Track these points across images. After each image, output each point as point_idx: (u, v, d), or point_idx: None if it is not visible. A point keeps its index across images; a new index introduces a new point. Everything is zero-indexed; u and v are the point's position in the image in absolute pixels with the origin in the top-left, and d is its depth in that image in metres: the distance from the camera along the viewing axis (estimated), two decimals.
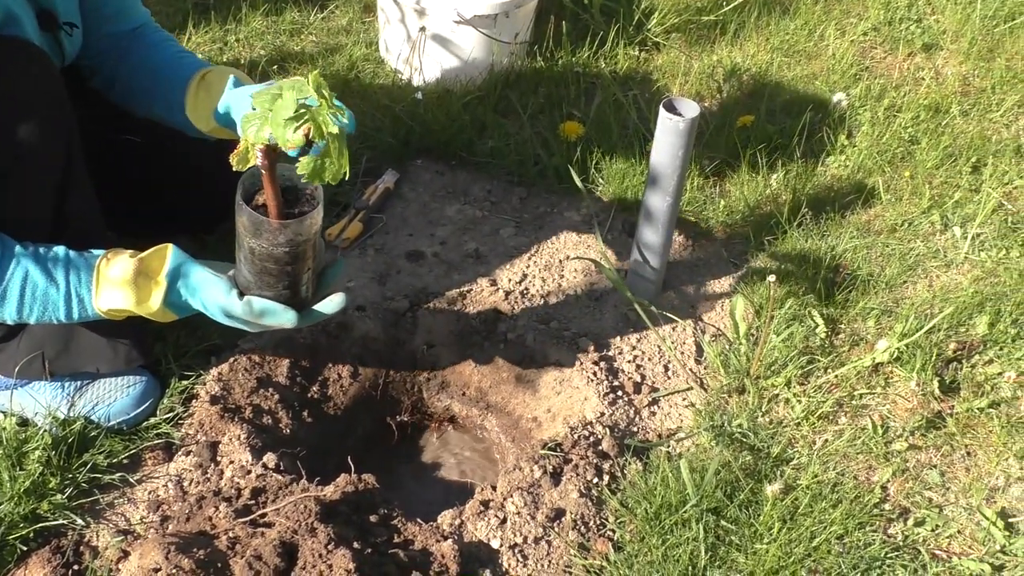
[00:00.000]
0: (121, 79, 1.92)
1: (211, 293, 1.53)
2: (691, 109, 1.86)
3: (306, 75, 1.27)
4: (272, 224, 1.43)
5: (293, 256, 1.49)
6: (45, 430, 1.72)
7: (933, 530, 1.72)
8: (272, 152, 1.34)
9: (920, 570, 1.64)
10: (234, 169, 1.37)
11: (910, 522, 1.74)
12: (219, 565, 1.47)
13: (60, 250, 1.55)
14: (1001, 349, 2.06)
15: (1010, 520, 1.75)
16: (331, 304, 1.58)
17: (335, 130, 1.29)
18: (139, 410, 1.81)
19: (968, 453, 1.88)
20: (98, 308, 1.54)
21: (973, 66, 3.10)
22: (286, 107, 1.26)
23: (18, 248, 1.51)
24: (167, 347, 1.91)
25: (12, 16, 1.56)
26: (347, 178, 1.35)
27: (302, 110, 1.26)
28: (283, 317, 1.53)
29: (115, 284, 1.52)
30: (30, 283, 1.51)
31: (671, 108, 1.86)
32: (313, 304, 1.60)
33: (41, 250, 1.53)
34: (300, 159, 1.32)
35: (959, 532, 1.73)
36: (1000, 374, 2.00)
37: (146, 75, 1.88)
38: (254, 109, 1.31)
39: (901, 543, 1.69)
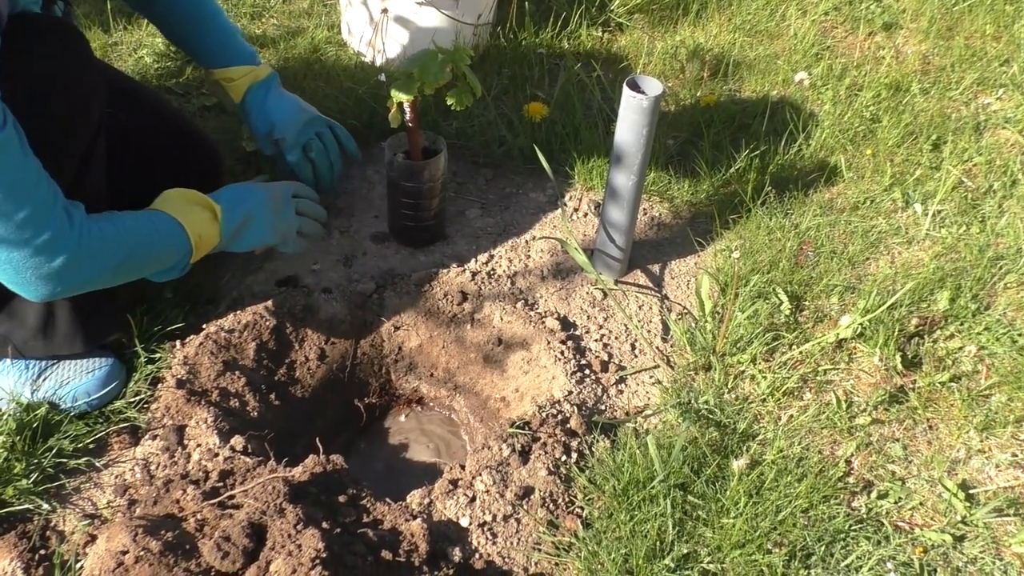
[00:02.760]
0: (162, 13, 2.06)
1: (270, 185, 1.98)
2: (654, 87, 1.86)
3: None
4: (419, 164, 2.10)
5: (432, 189, 2.14)
6: (9, 415, 1.71)
7: (896, 502, 1.75)
8: (415, 106, 2.01)
9: (883, 542, 1.66)
10: (393, 127, 1.99)
11: (873, 495, 1.76)
12: (187, 547, 1.46)
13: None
14: (962, 324, 2.08)
15: (971, 491, 1.78)
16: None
17: (466, 66, 1.93)
18: (104, 391, 1.79)
19: (930, 426, 1.90)
20: (186, 225, 1.73)
21: (933, 45, 3.13)
22: (434, 60, 1.89)
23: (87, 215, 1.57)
24: (132, 331, 1.89)
25: None
26: (478, 96, 1.98)
27: (443, 56, 1.89)
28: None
29: (178, 204, 1.76)
30: (113, 230, 1.60)
31: (635, 86, 1.87)
32: (442, 232, 2.31)
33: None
34: (447, 95, 1.96)
35: (921, 504, 1.75)
36: (961, 348, 2.03)
37: (191, 28, 2.09)
38: (396, 79, 1.91)
39: (865, 515, 1.71)
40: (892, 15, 3.28)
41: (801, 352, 2.00)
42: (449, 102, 1.96)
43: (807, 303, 2.13)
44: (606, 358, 2.01)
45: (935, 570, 1.64)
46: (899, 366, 1.97)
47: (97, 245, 1.55)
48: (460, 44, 1.95)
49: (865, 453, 1.84)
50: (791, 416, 1.89)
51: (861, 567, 1.61)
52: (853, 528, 1.68)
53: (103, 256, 1.57)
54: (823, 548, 1.63)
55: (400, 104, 1.96)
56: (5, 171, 1.36)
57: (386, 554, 1.52)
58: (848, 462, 1.82)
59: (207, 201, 1.80)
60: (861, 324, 2.00)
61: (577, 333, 2.07)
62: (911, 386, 1.95)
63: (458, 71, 1.92)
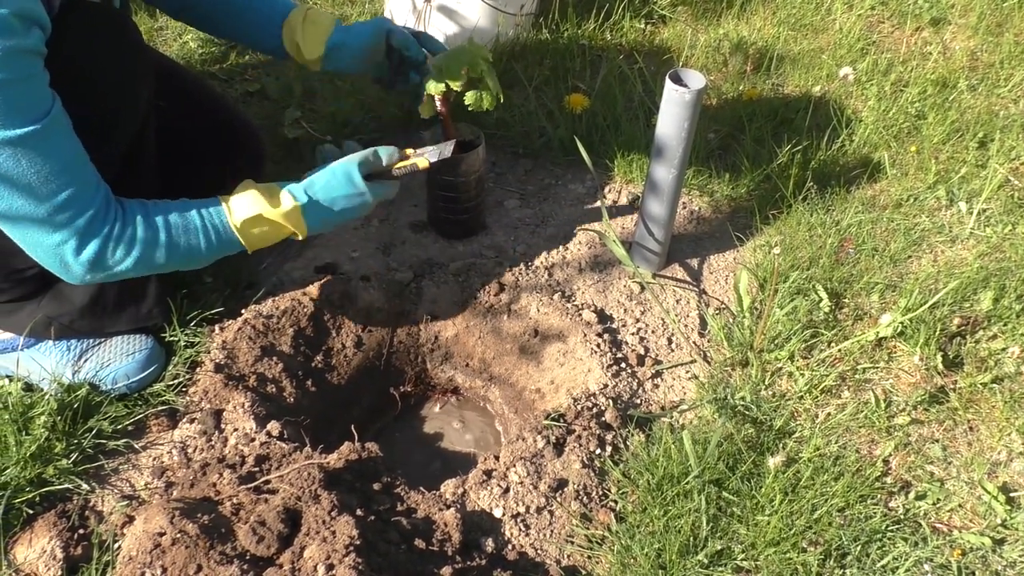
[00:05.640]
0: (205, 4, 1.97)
1: (342, 162, 1.73)
2: (697, 81, 1.85)
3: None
4: (455, 157, 1.96)
5: (469, 183, 2.14)
6: (50, 395, 1.73)
7: (934, 504, 1.73)
8: (447, 99, 1.96)
9: (920, 543, 1.65)
10: (423, 117, 2.00)
11: (911, 495, 1.74)
12: (223, 530, 1.48)
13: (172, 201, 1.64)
14: (1005, 325, 2.05)
15: (1011, 494, 1.75)
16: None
17: (485, 67, 1.88)
18: (144, 374, 1.81)
19: (970, 428, 1.88)
20: (234, 223, 1.63)
21: (981, 41, 3.08)
22: (456, 59, 1.87)
23: (138, 202, 1.58)
24: (172, 315, 1.91)
25: None
26: (502, 101, 1.94)
27: (463, 56, 1.87)
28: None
29: (241, 194, 1.66)
30: (171, 222, 1.58)
31: (677, 80, 1.85)
32: (480, 224, 2.30)
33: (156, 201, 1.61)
34: (465, 96, 1.90)
35: (960, 506, 1.73)
36: (1004, 349, 2.00)
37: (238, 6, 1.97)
38: (433, 70, 1.89)
39: (902, 516, 1.69)
40: (940, 10, 3.24)
41: (840, 350, 1.98)
42: (467, 102, 1.93)
43: (847, 300, 2.11)
44: (642, 352, 2.00)
45: (973, 573, 1.62)
46: (940, 366, 1.94)
47: (137, 235, 1.53)
48: (476, 44, 1.91)
49: (903, 453, 1.82)
50: (828, 414, 1.88)
51: (897, 568, 1.59)
52: (890, 528, 1.66)
53: (144, 246, 1.55)
54: (859, 548, 1.61)
55: (432, 96, 1.96)
56: (50, 152, 1.38)
57: (419, 543, 1.52)
58: (886, 462, 1.80)
59: (286, 200, 1.67)
60: (902, 323, 1.98)
61: (614, 326, 2.06)
62: (952, 386, 1.93)
63: (474, 74, 1.90)
